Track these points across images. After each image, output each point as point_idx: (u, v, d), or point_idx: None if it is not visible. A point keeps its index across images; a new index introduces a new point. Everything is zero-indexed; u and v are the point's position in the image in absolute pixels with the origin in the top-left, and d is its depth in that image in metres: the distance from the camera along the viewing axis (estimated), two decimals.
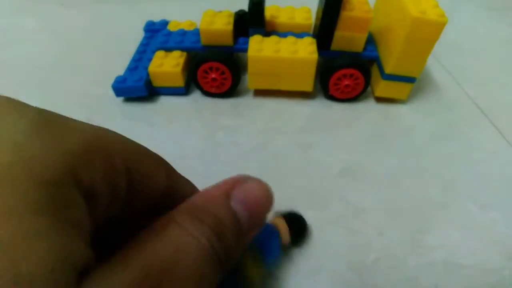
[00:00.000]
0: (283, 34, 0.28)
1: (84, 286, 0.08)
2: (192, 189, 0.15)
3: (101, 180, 0.10)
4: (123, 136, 0.12)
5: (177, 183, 0.13)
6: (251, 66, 0.27)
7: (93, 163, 0.09)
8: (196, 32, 0.29)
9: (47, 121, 0.09)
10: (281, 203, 0.22)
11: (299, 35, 0.28)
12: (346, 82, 0.27)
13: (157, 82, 0.28)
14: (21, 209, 0.07)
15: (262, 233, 0.17)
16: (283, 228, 0.18)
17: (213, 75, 0.27)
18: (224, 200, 0.12)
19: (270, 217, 0.19)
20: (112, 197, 0.10)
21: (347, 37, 0.27)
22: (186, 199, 0.12)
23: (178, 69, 0.27)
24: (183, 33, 0.29)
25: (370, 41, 0.29)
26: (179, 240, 0.10)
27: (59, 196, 0.08)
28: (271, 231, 0.18)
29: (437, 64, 0.34)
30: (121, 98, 0.29)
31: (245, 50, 0.27)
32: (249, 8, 0.26)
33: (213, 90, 0.29)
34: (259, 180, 0.13)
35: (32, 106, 0.10)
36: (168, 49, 0.29)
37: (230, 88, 0.28)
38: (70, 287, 0.08)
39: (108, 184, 0.10)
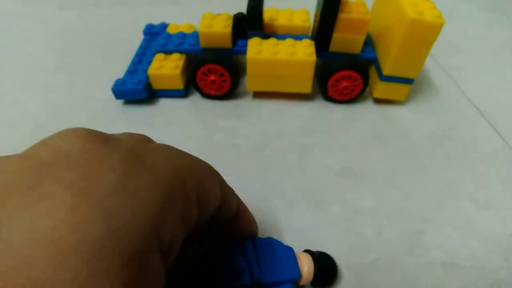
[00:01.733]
0: (281, 37, 0.28)
1: None
2: (238, 201, 0.15)
3: (180, 223, 0.10)
4: (188, 156, 0.12)
5: (227, 195, 0.13)
6: (250, 68, 0.27)
7: (173, 211, 0.09)
8: (195, 35, 0.29)
9: (130, 170, 0.09)
10: (280, 204, 0.22)
11: (298, 37, 0.28)
12: (345, 83, 0.28)
13: (157, 85, 0.28)
14: None
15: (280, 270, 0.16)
16: (307, 264, 0.16)
17: (212, 77, 0.28)
18: None
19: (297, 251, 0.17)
20: (186, 232, 0.10)
21: (345, 39, 0.27)
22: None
23: (178, 71, 0.27)
24: (182, 36, 0.30)
25: (368, 42, 0.29)
26: None
27: (142, 271, 0.08)
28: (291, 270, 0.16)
29: (435, 65, 0.34)
30: (121, 101, 0.29)
31: (244, 52, 0.27)
32: (248, 10, 0.27)
33: (212, 92, 0.29)
34: None
35: (115, 149, 0.09)
36: (168, 52, 0.29)
37: (229, 90, 0.29)
38: None
39: (185, 221, 0.10)
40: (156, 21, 0.34)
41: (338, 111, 0.29)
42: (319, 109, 0.29)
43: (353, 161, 0.25)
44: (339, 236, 0.21)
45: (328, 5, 0.25)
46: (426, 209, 0.22)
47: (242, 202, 0.15)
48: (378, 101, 0.29)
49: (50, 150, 0.09)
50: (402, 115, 0.29)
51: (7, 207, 0.08)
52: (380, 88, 0.28)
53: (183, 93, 0.29)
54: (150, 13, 0.40)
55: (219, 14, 0.29)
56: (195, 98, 0.30)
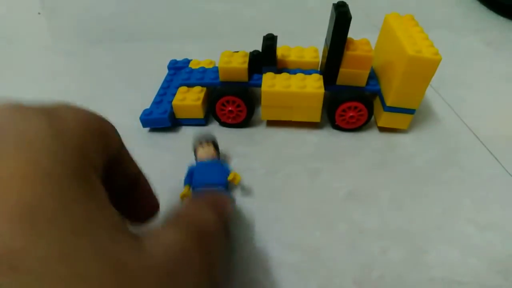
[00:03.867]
0: (293, 71, 0.31)
1: (144, 242, 0.12)
2: (138, 170, 0.17)
3: (99, 152, 0.13)
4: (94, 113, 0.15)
5: (126, 153, 0.16)
6: (264, 100, 0.30)
7: (92, 143, 0.13)
8: (215, 70, 0.32)
9: (52, 121, 0.12)
10: (291, 224, 0.24)
11: (308, 71, 0.31)
12: (351, 113, 0.30)
13: (180, 114, 0.31)
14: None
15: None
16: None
17: (230, 108, 0.30)
18: None
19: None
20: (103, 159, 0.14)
21: (351, 74, 0.30)
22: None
23: (199, 102, 0.30)
24: (203, 70, 0.33)
25: (373, 76, 0.32)
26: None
27: (90, 185, 0.11)
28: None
29: (437, 96, 0.36)
30: (147, 128, 0.32)
31: (259, 85, 0.30)
32: (263, 49, 0.30)
33: (229, 121, 0.31)
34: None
35: (36, 110, 0.12)
36: (190, 85, 0.32)
37: (245, 119, 0.31)
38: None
39: (103, 151, 0.14)
40: (179, 56, 0.38)
41: (345, 139, 0.31)
42: (328, 136, 0.31)
43: (359, 185, 0.27)
44: (346, 254, 0.22)
45: (335, 44, 0.28)
46: (428, 230, 0.24)
47: (143, 175, 0.18)
48: (383, 129, 0.32)
49: None
50: (406, 143, 0.31)
51: None
52: (384, 118, 0.30)
53: (203, 122, 0.32)
54: (173, 49, 0.44)
55: (236, 52, 0.32)
56: (214, 126, 0.32)
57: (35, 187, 0.10)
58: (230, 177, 0.24)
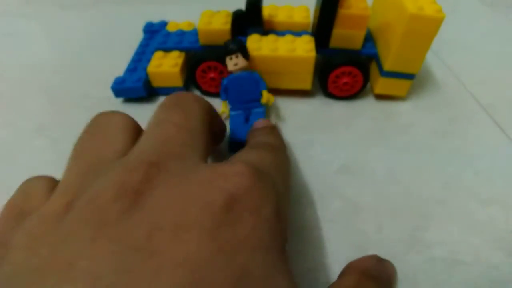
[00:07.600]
0: (281, 33, 0.28)
1: None
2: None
3: None
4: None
5: None
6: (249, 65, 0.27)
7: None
8: (195, 33, 0.29)
9: (279, 202, 0.14)
10: None
11: (298, 33, 0.28)
12: (345, 79, 0.27)
13: (156, 82, 0.28)
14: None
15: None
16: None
17: (212, 75, 0.28)
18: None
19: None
20: None
21: (345, 35, 0.27)
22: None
23: (177, 69, 0.27)
24: (181, 33, 0.30)
25: (369, 38, 0.29)
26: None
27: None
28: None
29: (437, 60, 0.34)
30: (120, 99, 0.29)
31: None
32: (247, 7, 0.27)
33: (212, 89, 0.29)
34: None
35: (269, 187, 0.14)
36: (167, 50, 0.29)
37: None
38: None
39: None
40: (155, 19, 0.34)
41: (338, 108, 0.29)
42: (320, 105, 0.29)
43: (353, 157, 0.25)
44: (339, 232, 0.20)
45: (328, 1, 0.25)
46: (427, 205, 0.22)
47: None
48: (379, 97, 0.29)
49: (229, 189, 0.12)
50: (404, 111, 0.28)
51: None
52: (381, 84, 0.28)
53: (183, 90, 0.29)
54: (150, 12, 0.40)
55: (218, 12, 0.28)
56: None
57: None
58: (263, 100, 0.25)
